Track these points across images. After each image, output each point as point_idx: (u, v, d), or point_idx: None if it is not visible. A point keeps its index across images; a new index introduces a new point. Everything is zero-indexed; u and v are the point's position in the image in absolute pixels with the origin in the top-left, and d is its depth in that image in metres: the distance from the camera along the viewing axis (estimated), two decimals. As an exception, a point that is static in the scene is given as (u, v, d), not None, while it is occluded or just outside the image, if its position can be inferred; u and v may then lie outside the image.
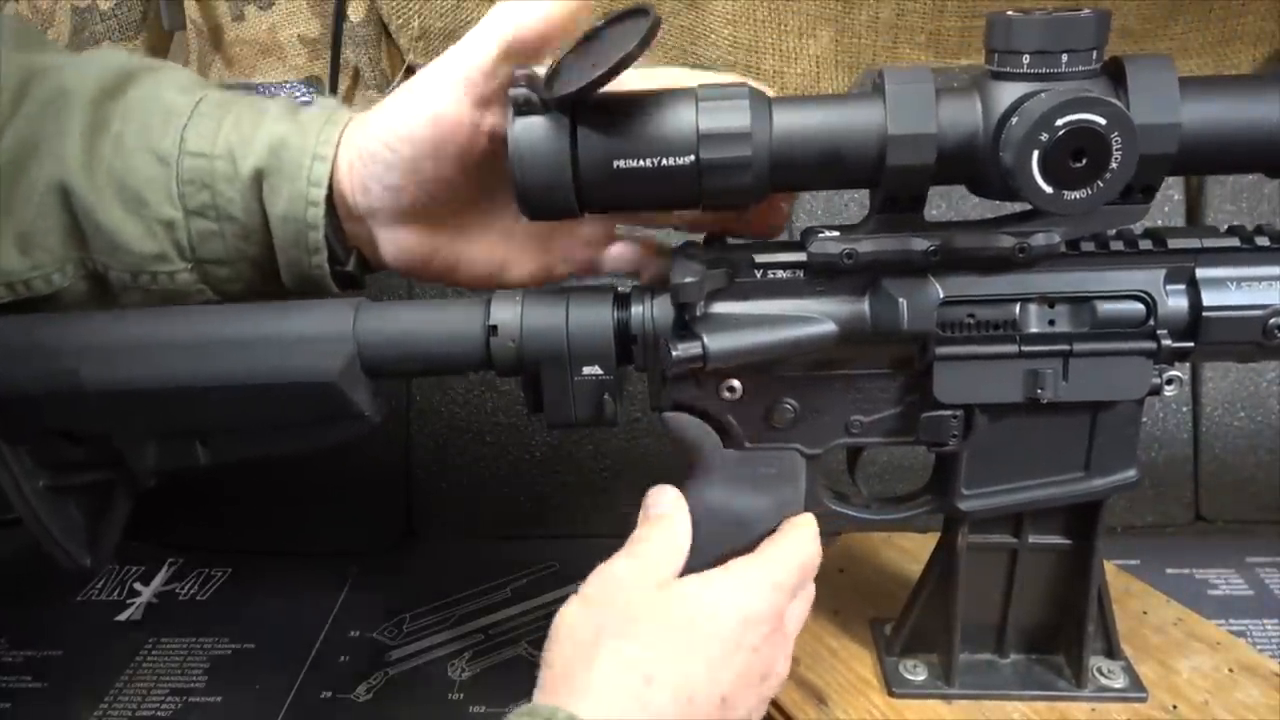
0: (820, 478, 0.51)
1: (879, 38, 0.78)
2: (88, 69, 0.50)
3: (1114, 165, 0.39)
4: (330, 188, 0.49)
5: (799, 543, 0.48)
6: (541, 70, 0.43)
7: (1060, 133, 0.38)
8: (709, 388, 0.48)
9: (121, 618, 0.73)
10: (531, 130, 0.42)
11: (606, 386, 0.47)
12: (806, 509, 0.50)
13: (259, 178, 0.48)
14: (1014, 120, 0.40)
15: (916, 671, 0.54)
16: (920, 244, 0.44)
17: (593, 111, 0.42)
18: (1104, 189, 0.40)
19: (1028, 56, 0.40)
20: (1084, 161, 0.39)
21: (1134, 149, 0.39)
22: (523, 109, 0.42)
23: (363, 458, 0.80)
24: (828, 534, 0.50)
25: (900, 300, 0.45)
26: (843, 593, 0.61)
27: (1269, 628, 0.68)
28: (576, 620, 0.44)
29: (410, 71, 0.85)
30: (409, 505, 0.82)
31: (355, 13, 0.81)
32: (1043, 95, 0.39)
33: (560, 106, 0.41)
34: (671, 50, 0.83)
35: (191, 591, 0.76)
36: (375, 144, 0.48)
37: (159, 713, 0.63)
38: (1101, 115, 0.38)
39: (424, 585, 0.75)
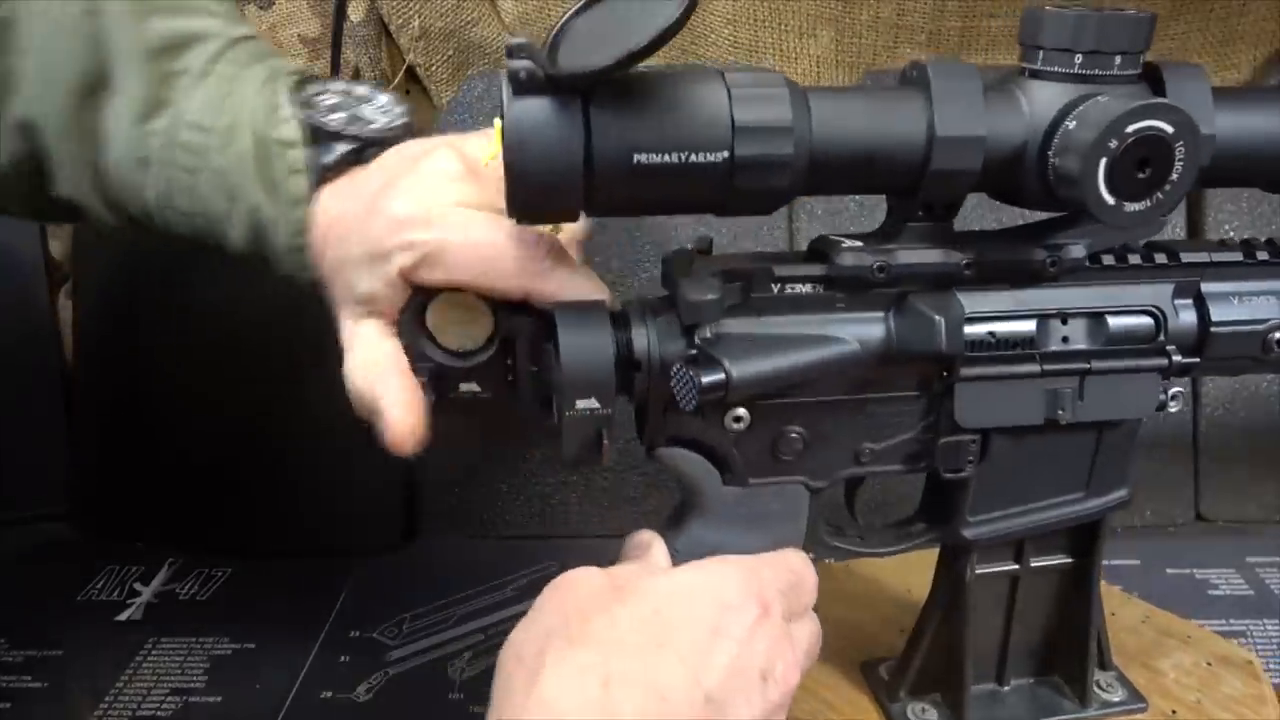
0: (822, 513, 0.47)
1: (879, 38, 0.78)
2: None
3: (1175, 176, 0.37)
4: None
5: (783, 553, 0.44)
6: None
7: (1130, 140, 0.36)
8: (713, 419, 0.42)
9: (121, 618, 0.73)
10: (533, 114, 0.35)
11: (602, 422, 0.40)
12: (805, 546, 0.46)
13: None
14: (1071, 124, 0.37)
15: (926, 715, 0.51)
16: (956, 257, 0.41)
17: (609, 94, 0.35)
18: (1164, 200, 0.37)
19: (1080, 56, 0.37)
20: (1148, 171, 0.36)
21: (1197, 159, 0.37)
22: (523, 86, 0.34)
23: (363, 458, 0.80)
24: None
25: (936, 318, 0.41)
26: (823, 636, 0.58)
27: (1269, 628, 0.68)
28: (520, 639, 0.37)
29: (410, 71, 0.85)
30: (409, 505, 0.82)
31: (355, 12, 0.81)
32: (1101, 99, 0.37)
33: (571, 86, 0.35)
34: (671, 50, 0.82)
35: (191, 591, 0.75)
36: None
37: (159, 713, 0.63)
38: (1169, 123, 0.36)
39: (424, 585, 0.74)
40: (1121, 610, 0.59)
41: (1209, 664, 0.55)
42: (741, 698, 0.37)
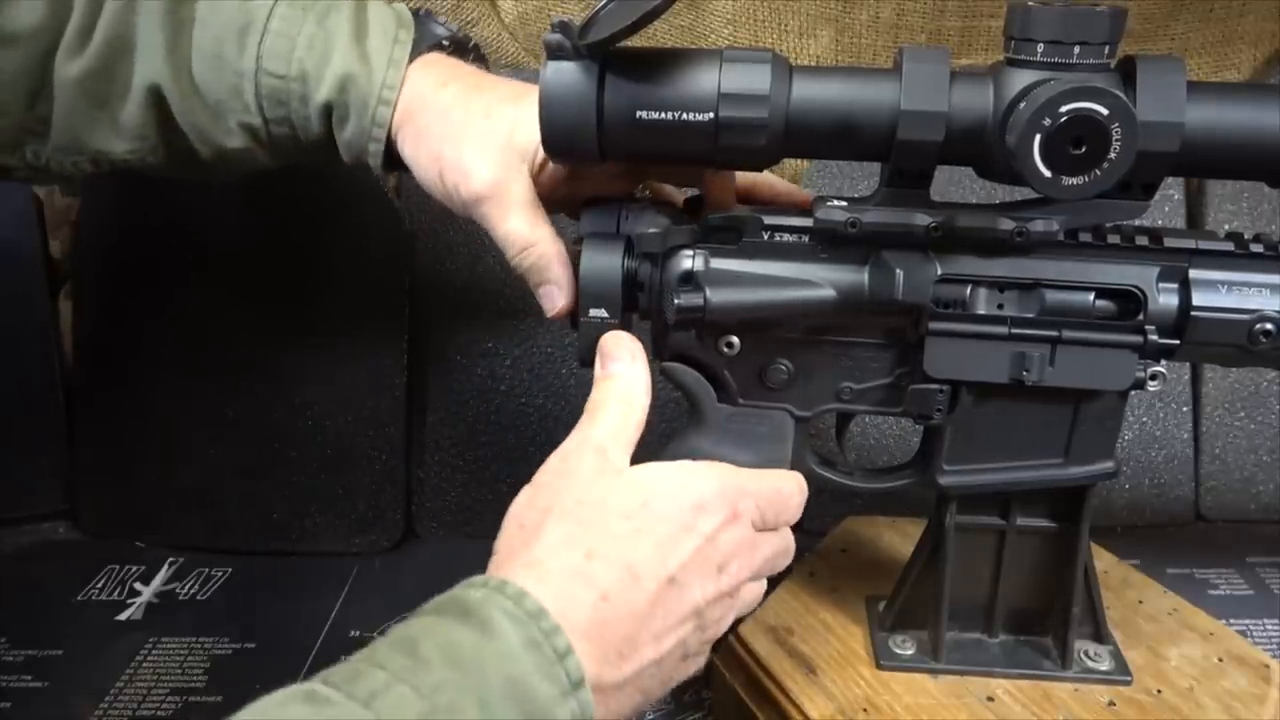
0: (808, 442, 0.52)
1: (879, 38, 0.78)
2: None
3: (1112, 155, 0.40)
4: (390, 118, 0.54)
5: (775, 473, 0.49)
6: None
7: (1063, 119, 0.40)
8: (708, 341, 0.49)
9: (121, 618, 0.73)
10: (561, 74, 0.44)
11: (610, 330, 0.48)
12: (792, 469, 0.51)
13: (329, 108, 0.54)
14: (1021, 105, 0.41)
15: (905, 646, 0.55)
16: (923, 219, 0.45)
17: (622, 61, 0.43)
18: (1101, 177, 0.41)
19: (1041, 45, 0.41)
20: (1084, 149, 0.40)
21: (1133, 142, 0.40)
22: (555, 53, 0.43)
23: (363, 458, 0.80)
24: (816, 497, 0.51)
25: (897, 271, 0.46)
26: (842, 572, 0.62)
27: (1269, 628, 0.68)
28: (524, 507, 0.44)
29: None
30: (409, 505, 0.82)
31: (355, 13, 0.81)
32: (1051, 82, 0.41)
33: (591, 54, 0.43)
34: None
35: (191, 591, 0.75)
36: (419, 167, 0.53)
37: (159, 713, 0.63)
38: (1104, 106, 0.39)
39: (424, 585, 0.74)
40: (1152, 600, 0.60)
41: (1220, 659, 0.55)
42: (698, 582, 0.43)
